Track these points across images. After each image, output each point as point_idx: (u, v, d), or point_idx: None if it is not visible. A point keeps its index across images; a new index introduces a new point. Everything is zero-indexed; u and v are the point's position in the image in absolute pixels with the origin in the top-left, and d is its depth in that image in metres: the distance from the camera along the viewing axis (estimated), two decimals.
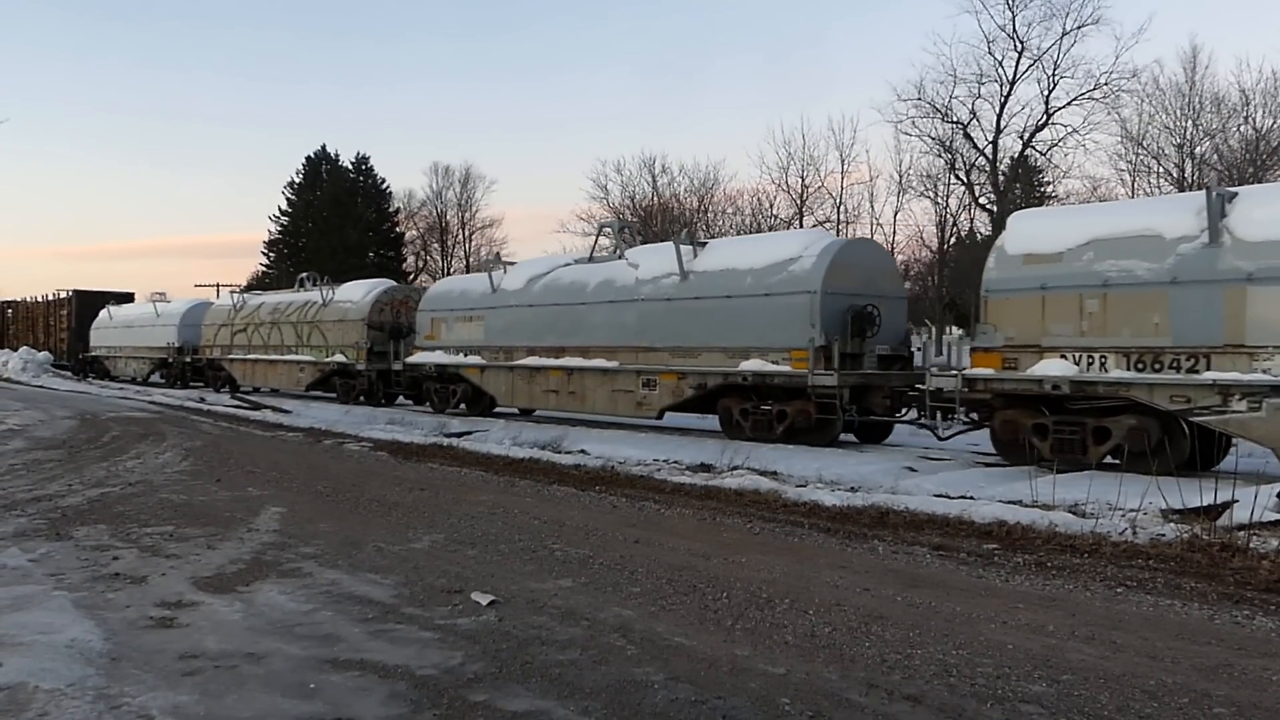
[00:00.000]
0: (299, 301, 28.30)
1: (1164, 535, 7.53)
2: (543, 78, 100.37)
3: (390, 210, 63.60)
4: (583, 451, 13.74)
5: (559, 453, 13.66)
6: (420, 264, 66.61)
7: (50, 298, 47.23)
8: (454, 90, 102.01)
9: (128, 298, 43.60)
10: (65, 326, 44.80)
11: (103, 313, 41.26)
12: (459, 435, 16.21)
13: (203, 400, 25.80)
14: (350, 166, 62.38)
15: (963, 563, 7.01)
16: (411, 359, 22.81)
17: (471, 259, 63.85)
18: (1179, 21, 61.14)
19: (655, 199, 52.88)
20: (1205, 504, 8.20)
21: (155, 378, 36.92)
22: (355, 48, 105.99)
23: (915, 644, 4.97)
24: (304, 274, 30.21)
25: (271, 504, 9.28)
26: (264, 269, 62.79)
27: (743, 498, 9.82)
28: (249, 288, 42.64)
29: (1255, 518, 7.66)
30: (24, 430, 16.84)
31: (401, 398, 24.55)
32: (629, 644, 4.93)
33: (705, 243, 17.29)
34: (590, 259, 19.74)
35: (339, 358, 25.58)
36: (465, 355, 21.28)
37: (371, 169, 62.74)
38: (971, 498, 9.63)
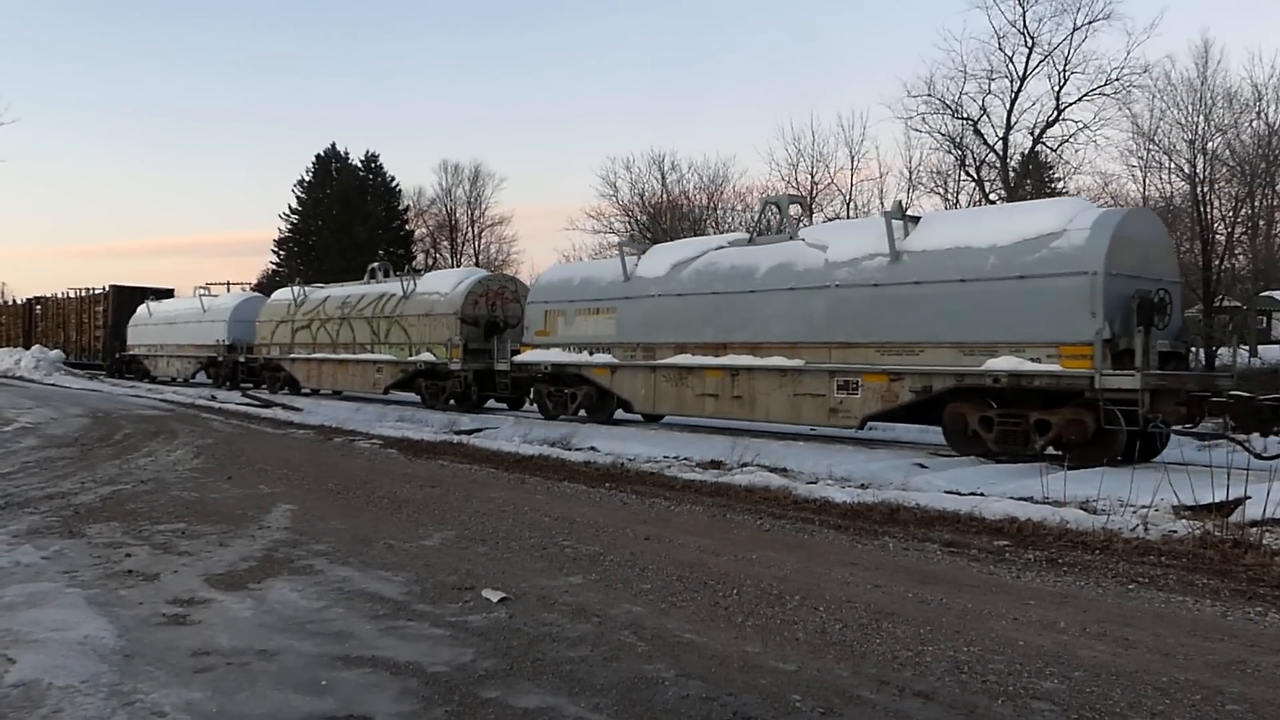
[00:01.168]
0: (374, 294, 25.49)
1: (1176, 532, 7.50)
2: (551, 75, 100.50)
3: (400, 208, 63.65)
4: (592, 448, 13.76)
5: (569, 449, 13.68)
6: (430, 262, 66.67)
7: (84, 293, 44.45)
8: (463, 88, 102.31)
9: (167, 294, 41.31)
10: (101, 324, 42.22)
11: (141, 309, 38.95)
12: (469, 432, 16.26)
13: (214, 398, 25.90)
14: (360, 164, 62.42)
15: (974, 559, 6.99)
16: (522, 357, 20.08)
17: (481, 256, 63.93)
18: (1191, 16, 60.76)
19: (665, 196, 52.78)
20: (1217, 500, 8.16)
21: (201, 378, 34.81)
22: (363, 46, 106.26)
23: (926, 641, 4.96)
24: (374, 264, 27.84)
25: (282, 501, 9.31)
26: (274, 267, 62.92)
27: (753, 494, 9.82)
28: (259, 286, 42.04)
29: (1268, 514, 7.62)
30: (36, 428, 16.93)
31: (492, 400, 22.50)
32: (640, 641, 4.93)
33: (918, 217, 14.33)
34: (751, 241, 16.90)
35: (425, 356, 22.91)
36: (591, 353, 18.43)
37: (381, 167, 62.80)
38: (982, 494, 9.60)
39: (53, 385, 33.17)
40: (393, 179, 63.15)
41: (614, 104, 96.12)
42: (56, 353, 42.98)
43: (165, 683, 4.26)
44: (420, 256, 65.67)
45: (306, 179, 62.28)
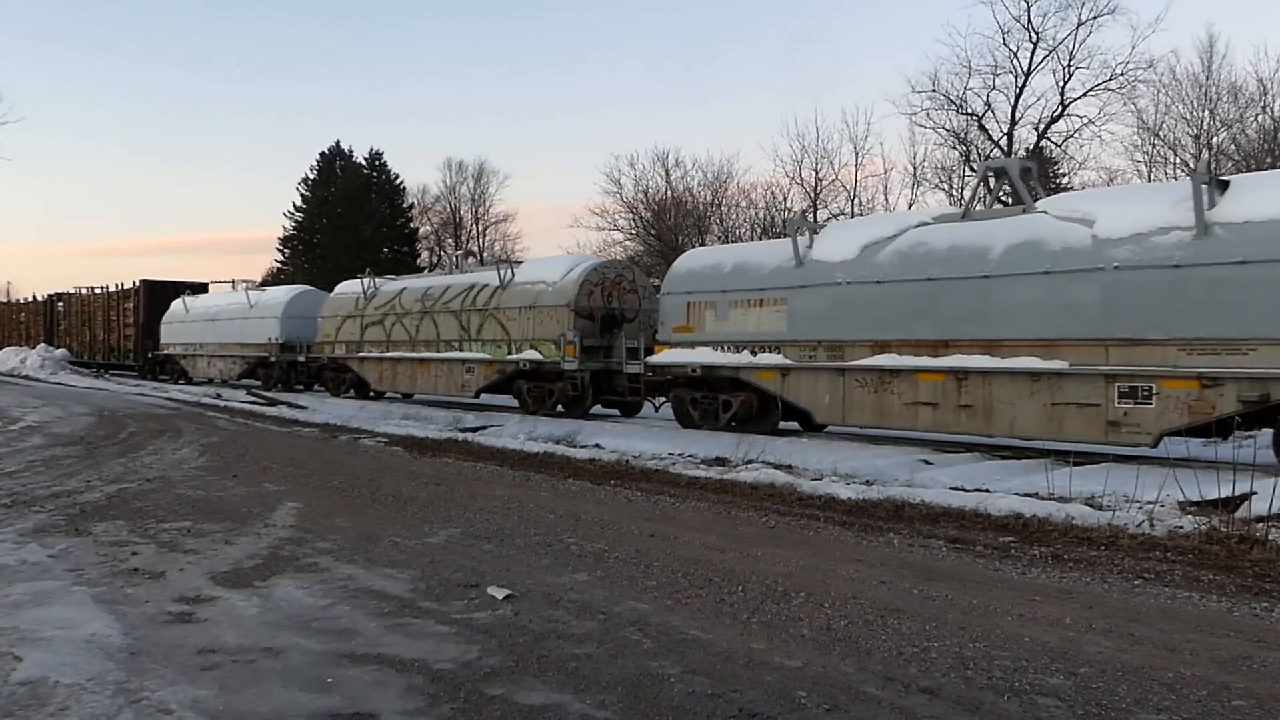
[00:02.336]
0: (461, 285, 22.40)
1: (1182, 527, 7.49)
2: (555, 72, 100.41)
3: (404, 205, 63.78)
4: (597, 446, 13.77)
5: (574, 447, 13.69)
6: (434, 259, 66.77)
7: (112, 289, 41.24)
8: (467, 85, 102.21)
9: (201, 288, 38.01)
10: (131, 322, 38.96)
11: (176, 304, 35.83)
12: (474, 430, 16.27)
13: (219, 397, 25.93)
14: (364, 162, 62.57)
15: (979, 555, 6.99)
16: (661, 358, 16.89)
17: (485, 254, 63.95)
18: (1196, 10, 60.68)
19: (669, 193, 52.75)
20: (1223, 496, 8.15)
21: (243, 378, 31.43)
22: (367, 43, 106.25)
23: (932, 637, 4.96)
24: (459, 250, 26.46)
25: (288, 499, 9.33)
26: (279, 265, 63.06)
27: (758, 491, 9.82)
28: (264, 284, 41.13)
29: (1274, 510, 7.61)
30: (42, 427, 16.97)
31: (598, 405, 19.90)
32: (645, 637, 4.93)
33: (1228, 181, 11.47)
34: (966, 215, 13.88)
35: (530, 354, 19.79)
36: (754, 353, 15.42)
37: (385, 164, 62.94)
38: (988, 490, 9.60)
39: (58, 384, 33.24)
40: (397, 176, 63.37)
41: (618, 101, 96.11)
42: (62, 351, 42.99)
43: (172, 680, 4.27)
44: (425, 254, 65.80)
45: (311, 177, 62.45)
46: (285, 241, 62.87)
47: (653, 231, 50.13)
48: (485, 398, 22.19)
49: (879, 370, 13.74)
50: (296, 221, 62.48)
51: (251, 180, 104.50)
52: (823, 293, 14.67)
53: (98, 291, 42.31)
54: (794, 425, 16.13)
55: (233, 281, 34.56)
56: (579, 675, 4.37)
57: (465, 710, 3.96)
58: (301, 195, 62.47)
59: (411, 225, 64.52)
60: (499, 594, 5.74)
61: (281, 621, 5.21)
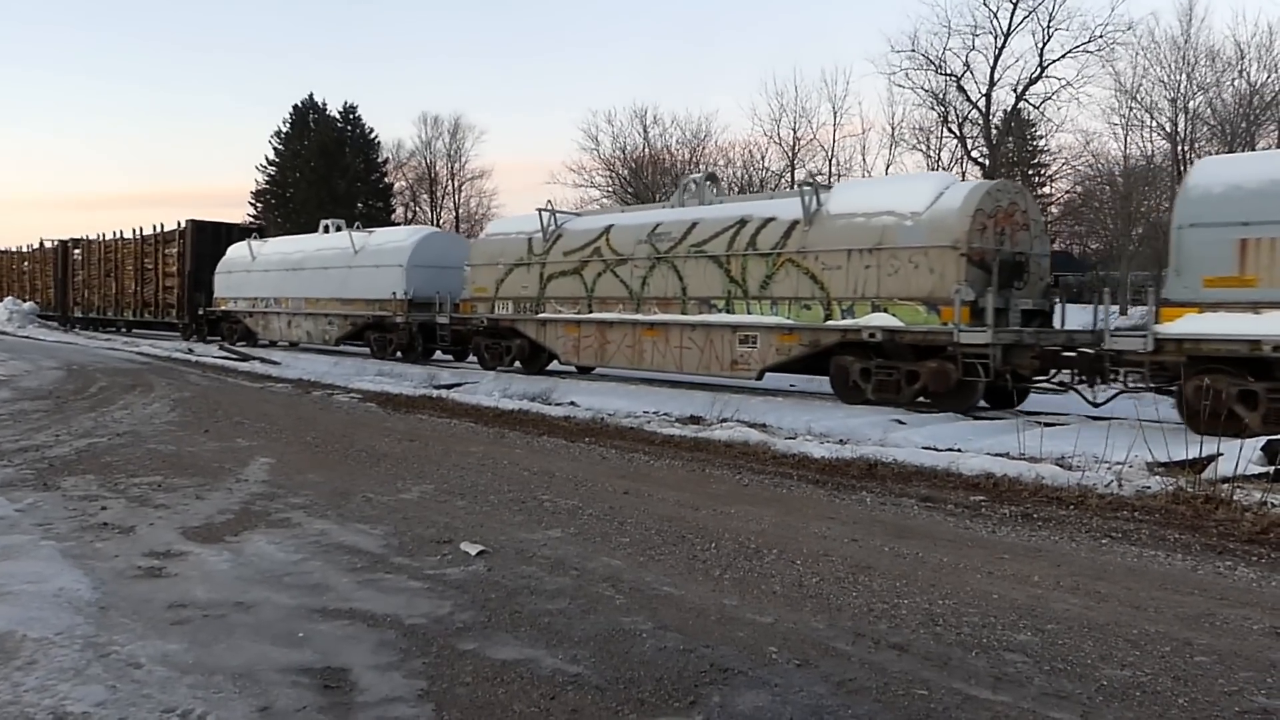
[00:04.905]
0: (724, 219, 15.98)
1: (1149, 488, 7.58)
2: (533, 26, 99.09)
3: (379, 160, 63.11)
4: (572, 404, 13.75)
5: (549, 404, 13.67)
6: (410, 215, 66.20)
7: (152, 233, 34.53)
8: (443, 38, 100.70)
9: (249, 233, 32.06)
10: (174, 270, 32.81)
11: (236, 250, 29.64)
12: (449, 387, 16.20)
13: (190, 351, 25.68)
14: (338, 116, 61.74)
15: (950, 514, 7.05)
16: (1190, 328, 10.84)
17: (461, 210, 63.54)
18: None
19: (646, 150, 52.55)
20: (1190, 457, 8.26)
21: (344, 342, 25.68)
22: None
23: (902, 594, 5.01)
24: (695, 177, 18.58)
25: (260, 455, 9.27)
26: (251, 220, 62.29)
27: (732, 449, 9.86)
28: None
29: (1239, 470, 7.72)
30: (10, 381, 16.76)
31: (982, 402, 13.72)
32: (617, 594, 4.95)
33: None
34: None
35: (874, 319, 13.49)
36: None
37: (360, 119, 62.14)
38: (959, 450, 9.68)
39: (26, 338, 32.82)
40: (371, 131, 62.61)
41: (597, 57, 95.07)
42: (31, 304, 42.15)
43: (141, 635, 4.25)
44: (400, 210, 65.24)
45: (284, 130, 61.55)
46: (258, 195, 62.11)
47: (630, 189, 49.90)
48: (770, 379, 15.92)
49: None
50: (269, 175, 61.71)
51: (223, 132, 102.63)
52: None
53: (128, 237, 36.25)
54: None
55: (324, 222, 28.14)
56: (551, 630, 4.38)
57: (437, 664, 3.96)
58: (274, 149, 61.67)
59: (386, 180, 63.87)
60: (472, 550, 5.74)
61: (253, 576, 5.19)
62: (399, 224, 58.70)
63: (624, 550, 5.86)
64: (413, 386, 16.30)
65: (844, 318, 14.00)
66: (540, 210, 19.25)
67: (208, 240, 31.93)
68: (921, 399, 13.50)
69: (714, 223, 16.15)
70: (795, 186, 16.35)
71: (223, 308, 29.92)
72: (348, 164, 59.51)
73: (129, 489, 7.52)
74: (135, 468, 8.48)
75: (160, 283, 33.90)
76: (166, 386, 15.99)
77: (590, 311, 17.91)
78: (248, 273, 28.79)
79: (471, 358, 22.42)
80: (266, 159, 61.88)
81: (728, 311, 15.62)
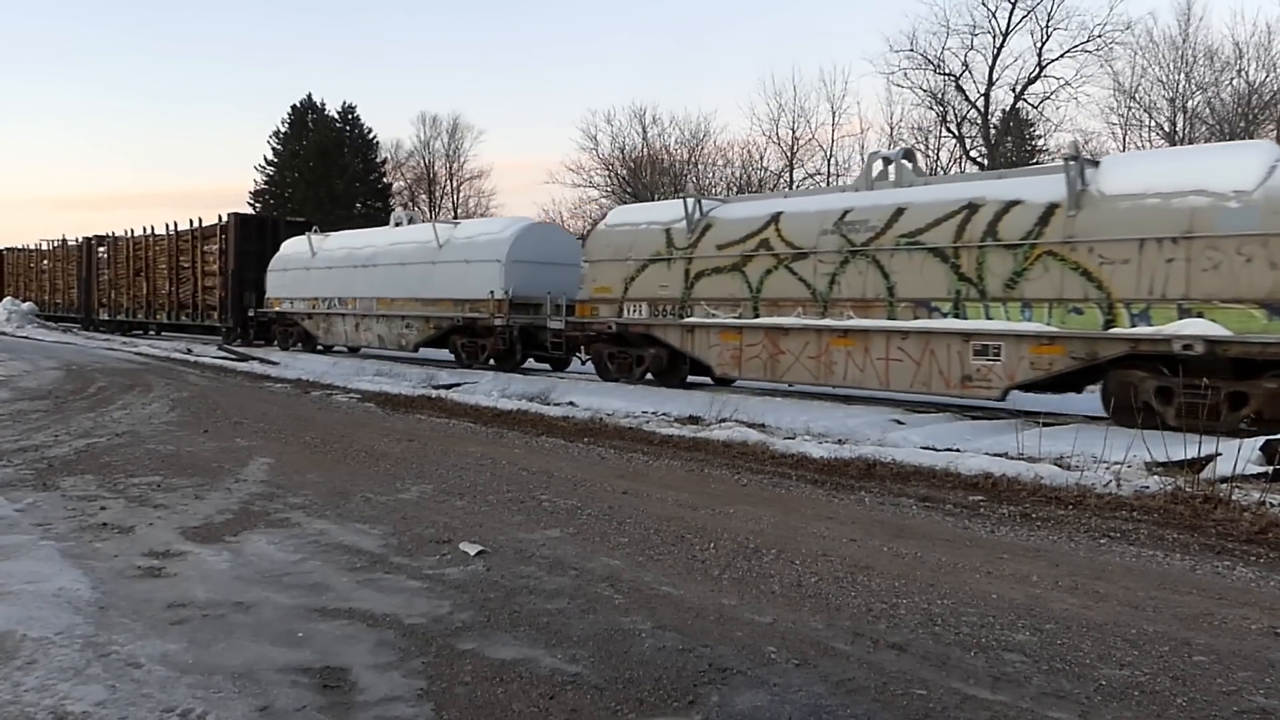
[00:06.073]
0: (943, 203, 13.01)
1: (1148, 488, 7.59)
2: (532, 26, 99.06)
3: (377, 160, 63.05)
4: (571, 403, 13.75)
5: (547, 404, 13.67)
6: (409, 218, 66.13)
7: (190, 229, 31.84)
8: (441, 39, 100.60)
9: (300, 229, 29.03)
10: (215, 269, 30.30)
11: (292, 245, 26.95)
12: (447, 387, 16.20)
13: (189, 351, 25.65)
14: (337, 116, 61.67)
15: (949, 514, 7.06)
16: None
17: (460, 210, 63.50)
18: None
19: (645, 150, 52.56)
20: (1189, 457, 8.26)
21: (423, 348, 22.69)
22: None
23: (901, 594, 5.01)
24: (888, 153, 15.20)
25: (259, 454, 9.27)
26: None
27: (731, 449, 9.86)
28: None
29: (1238, 470, 7.73)
30: (9, 381, 16.75)
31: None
32: (616, 593, 4.96)
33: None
34: None
35: (1189, 326, 10.45)
36: None
37: (358, 119, 62.04)
38: (958, 450, 9.69)
39: (25, 338, 32.80)
40: (370, 131, 62.52)
41: (595, 56, 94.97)
42: (30, 304, 42.13)
43: (141, 634, 4.25)
44: (399, 210, 65.17)
45: (282, 130, 61.50)
46: (256, 195, 62.05)
47: (628, 189, 49.90)
48: (1014, 397, 12.57)
49: None
50: (268, 175, 61.64)
51: (221, 133, 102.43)
52: None
53: (160, 233, 33.78)
54: None
55: (395, 214, 25.90)
56: (550, 630, 4.38)
57: (436, 664, 3.96)
58: (273, 149, 61.60)
59: (385, 180, 63.85)
60: (471, 550, 5.74)
61: (252, 576, 5.19)
62: (399, 224, 58.37)
63: (623, 550, 5.86)
64: (411, 386, 16.31)
65: (1134, 324, 11.03)
66: (684, 196, 16.57)
67: (251, 235, 29.57)
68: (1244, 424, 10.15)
69: (929, 208, 13.11)
70: (1036, 161, 12.78)
71: (276, 309, 27.13)
72: (346, 164, 59.45)
73: (128, 489, 7.52)
74: (134, 468, 8.48)
75: (199, 282, 31.32)
76: (165, 386, 15.99)
77: (756, 315, 14.87)
78: (307, 270, 25.82)
79: (585, 366, 19.48)
80: (265, 159, 61.81)
81: (956, 316, 12.60)
